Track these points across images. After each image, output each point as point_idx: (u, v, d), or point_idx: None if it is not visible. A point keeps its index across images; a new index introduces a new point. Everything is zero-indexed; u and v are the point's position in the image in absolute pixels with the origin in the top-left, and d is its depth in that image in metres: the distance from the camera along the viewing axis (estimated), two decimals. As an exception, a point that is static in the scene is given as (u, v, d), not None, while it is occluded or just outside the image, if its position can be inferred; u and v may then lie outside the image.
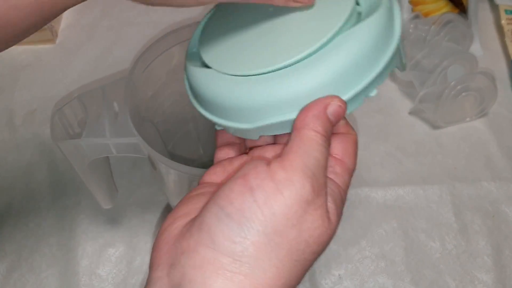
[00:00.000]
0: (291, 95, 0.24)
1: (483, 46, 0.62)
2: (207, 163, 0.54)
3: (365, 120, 0.57)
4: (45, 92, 0.60)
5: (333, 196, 0.25)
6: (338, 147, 0.27)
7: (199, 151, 0.53)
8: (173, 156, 0.49)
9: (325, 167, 0.24)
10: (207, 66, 0.29)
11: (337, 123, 0.25)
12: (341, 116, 0.25)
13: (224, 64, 0.27)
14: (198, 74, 0.28)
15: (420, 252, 0.48)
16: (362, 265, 0.47)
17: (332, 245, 0.48)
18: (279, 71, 0.25)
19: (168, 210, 0.51)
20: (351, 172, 0.27)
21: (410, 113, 0.58)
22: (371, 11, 0.26)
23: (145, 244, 0.49)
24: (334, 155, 0.27)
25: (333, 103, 0.25)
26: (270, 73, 0.25)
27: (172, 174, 0.44)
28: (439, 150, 0.55)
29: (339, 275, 0.47)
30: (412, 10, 0.59)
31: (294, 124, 0.25)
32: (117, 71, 0.59)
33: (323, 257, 0.47)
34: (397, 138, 0.56)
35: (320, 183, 0.24)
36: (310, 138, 0.24)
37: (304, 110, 0.25)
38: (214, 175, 0.29)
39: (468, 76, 0.53)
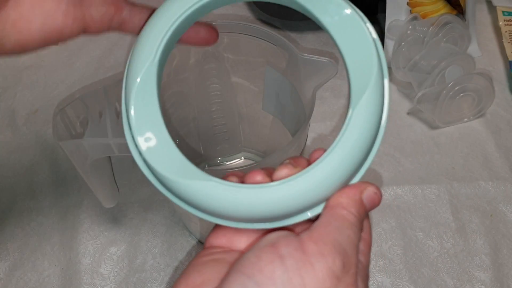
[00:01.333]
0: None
1: (481, 47, 0.63)
2: (208, 163, 0.55)
3: (364, 120, 0.57)
4: (47, 93, 0.60)
5: (361, 275, 0.24)
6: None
7: (199, 151, 0.53)
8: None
9: (357, 246, 0.23)
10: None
11: (371, 210, 0.25)
12: (376, 204, 0.25)
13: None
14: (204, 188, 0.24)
15: (418, 250, 0.48)
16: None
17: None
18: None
19: (169, 210, 0.51)
20: (370, 247, 0.26)
21: (409, 113, 0.58)
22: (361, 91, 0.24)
23: (147, 243, 0.49)
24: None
25: (369, 189, 0.25)
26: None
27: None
28: (437, 150, 0.55)
29: None
30: (411, 12, 0.59)
31: (326, 203, 0.24)
32: (118, 72, 0.59)
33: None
34: (395, 138, 0.56)
35: (351, 261, 0.23)
36: (343, 216, 0.23)
37: (339, 192, 0.24)
38: (224, 237, 0.27)
39: (466, 77, 0.53)
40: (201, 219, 0.29)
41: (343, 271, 0.22)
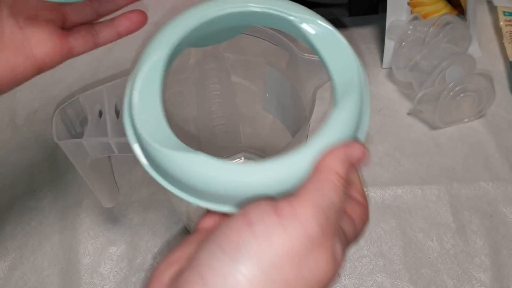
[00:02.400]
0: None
1: (482, 48, 0.63)
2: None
3: (364, 120, 0.57)
4: (47, 92, 0.60)
5: (341, 241, 0.23)
6: (351, 206, 0.26)
7: (199, 151, 0.53)
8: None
9: (340, 212, 0.23)
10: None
11: (357, 168, 0.25)
12: (363, 160, 0.24)
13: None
14: (183, 160, 0.25)
15: (418, 251, 0.48)
16: (360, 264, 0.48)
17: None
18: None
19: (169, 209, 0.51)
20: (363, 218, 0.26)
21: (409, 113, 0.58)
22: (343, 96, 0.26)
23: (146, 242, 0.49)
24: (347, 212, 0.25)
25: (356, 147, 0.24)
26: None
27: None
28: (438, 151, 0.55)
29: (337, 273, 0.47)
30: (411, 12, 0.59)
31: (314, 166, 0.23)
32: (118, 71, 0.59)
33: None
34: (395, 138, 0.56)
35: (331, 225, 0.22)
36: (329, 179, 0.23)
37: (326, 153, 0.24)
38: (211, 220, 0.27)
39: (467, 77, 0.53)
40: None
41: (320, 235, 0.21)
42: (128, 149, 0.30)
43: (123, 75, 0.35)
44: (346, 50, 0.27)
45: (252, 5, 0.28)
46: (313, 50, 0.28)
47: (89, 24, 0.33)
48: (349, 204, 0.26)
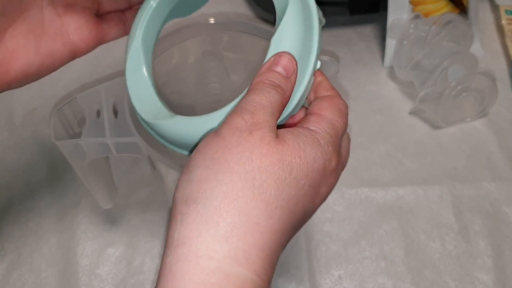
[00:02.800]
0: None
1: (484, 46, 0.62)
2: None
3: (365, 120, 0.57)
4: (45, 92, 0.60)
5: (293, 132, 0.26)
6: (314, 105, 0.28)
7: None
8: (173, 156, 0.49)
9: (267, 106, 0.25)
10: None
11: (292, 75, 0.27)
12: (290, 68, 0.27)
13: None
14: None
15: (420, 252, 0.48)
16: (362, 265, 0.47)
17: (332, 246, 0.48)
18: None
19: (168, 210, 0.51)
20: (328, 121, 0.27)
21: (411, 113, 0.57)
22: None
23: (145, 244, 0.49)
24: (313, 112, 0.28)
25: (280, 58, 0.27)
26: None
27: (172, 174, 0.44)
28: (440, 150, 0.54)
29: (339, 275, 0.47)
30: (413, 10, 0.59)
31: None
32: (116, 71, 0.59)
33: (323, 258, 0.47)
34: (397, 138, 0.56)
35: (257, 116, 0.25)
36: (254, 87, 0.27)
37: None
38: None
39: (469, 76, 0.53)
40: None
41: (244, 123, 0.25)
42: (127, 149, 0.32)
43: (122, 74, 0.35)
44: None
45: None
46: None
47: (121, 11, 0.35)
48: (316, 103, 0.28)
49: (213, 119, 0.28)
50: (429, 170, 0.53)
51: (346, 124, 0.28)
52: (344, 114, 0.28)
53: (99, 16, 0.34)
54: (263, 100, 0.26)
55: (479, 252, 0.48)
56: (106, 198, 0.43)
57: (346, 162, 0.29)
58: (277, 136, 0.25)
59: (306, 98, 0.29)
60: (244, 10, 0.68)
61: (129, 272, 0.47)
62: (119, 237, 0.49)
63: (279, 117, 0.27)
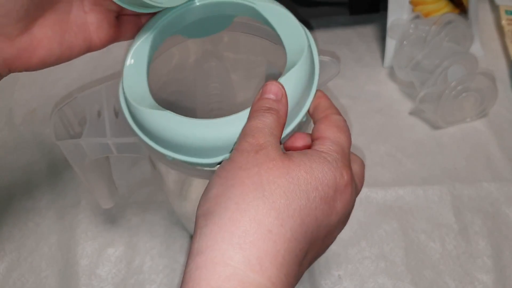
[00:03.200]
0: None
1: (484, 47, 0.62)
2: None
3: (365, 120, 0.57)
4: (45, 92, 0.60)
5: (300, 152, 0.27)
6: (314, 131, 0.30)
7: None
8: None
9: (263, 128, 0.27)
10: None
11: (283, 99, 0.29)
12: (279, 92, 0.29)
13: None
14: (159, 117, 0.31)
15: (420, 252, 0.48)
16: (362, 265, 0.47)
17: (332, 246, 0.48)
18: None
19: (167, 210, 0.51)
20: (331, 140, 0.28)
21: (411, 113, 0.58)
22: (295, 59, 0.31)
23: (145, 244, 0.49)
24: (314, 137, 0.30)
25: (269, 84, 0.29)
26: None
27: (172, 174, 0.44)
28: (439, 151, 0.54)
29: (338, 275, 0.47)
30: (413, 10, 0.59)
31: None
32: (117, 71, 0.59)
33: (323, 258, 0.47)
34: (397, 138, 0.56)
35: (258, 138, 0.27)
36: (251, 116, 0.29)
37: None
38: None
39: (469, 76, 0.53)
40: None
41: (247, 146, 0.27)
42: (127, 149, 0.32)
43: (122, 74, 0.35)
44: (295, 24, 0.33)
45: None
46: (270, 27, 0.34)
47: (137, 16, 0.36)
48: (315, 128, 0.30)
49: (193, 121, 0.30)
50: (429, 170, 0.53)
51: (348, 137, 0.29)
52: (343, 128, 0.29)
53: (118, 17, 0.36)
54: (259, 124, 0.28)
55: (479, 252, 0.48)
56: (106, 198, 0.43)
57: (361, 186, 0.30)
58: (284, 155, 0.27)
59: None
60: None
61: (129, 272, 0.47)
62: (119, 237, 0.49)
63: (280, 135, 0.29)
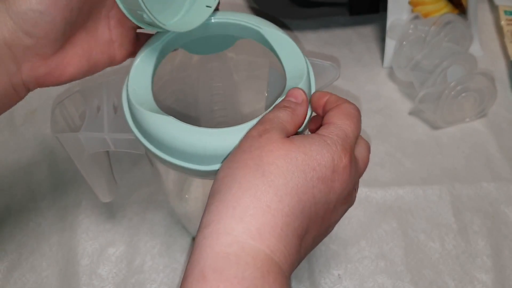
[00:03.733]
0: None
1: (483, 47, 0.63)
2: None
3: (365, 120, 0.56)
4: (46, 92, 0.59)
5: (302, 136, 0.29)
6: (327, 115, 0.31)
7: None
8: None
9: (273, 118, 0.29)
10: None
11: (303, 103, 0.31)
12: (299, 97, 0.31)
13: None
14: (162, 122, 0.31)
15: (420, 252, 0.48)
16: (361, 265, 0.47)
17: (332, 245, 0.49)
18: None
19: (168, 210, 0.51)
20: (336, 126, 0.30)
21: (410, 113, 0.58)
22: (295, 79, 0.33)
23: (145, 243, 0.49)
24: (323, 123, 0.31)
25: (292, 90, 0.32)
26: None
27: (172, 173, 0.44)
28: (439, 151, 0.55)
29: (338, 274, 0.47)
30: (412, 11, 0.59)
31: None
32: (118, 68, 0.59)
33: (322, 257, 0.48)
34: (397, 138, 0.56)
35: (265, 125, 0.29)
36: (273, 110, 0.30)
37: None
38: None
39: (468, 76, 0.53)
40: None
41: (260, 130, 0.28)
42: (125, 145, 0.32)
43: (124, 72, 0.35)
44: (297, 51, 0.35)
45: (231, 17, 0.37)
46: (271, 51, 0.36)
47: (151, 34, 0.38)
48: (326, 115, 0.31)
49: (194, 129, 0.31)
50: (428, 170, 0.53)
51: (356, 125, 0.30)
52: (353, 116, 0.30)
53: (136, 34, 0.37)
54: (271, 116, 0.30)
55: (478, 252, 0.48)
56: (105, 192, 0.43)
57: (364, 168, 0.32)
58: (286, 138, 0.29)
59: None
60: (245, 11, 0.68)
61: (130, 271, 0.47)
62: (120, 236, 0.49)
63: (292, 131, 0.30)
